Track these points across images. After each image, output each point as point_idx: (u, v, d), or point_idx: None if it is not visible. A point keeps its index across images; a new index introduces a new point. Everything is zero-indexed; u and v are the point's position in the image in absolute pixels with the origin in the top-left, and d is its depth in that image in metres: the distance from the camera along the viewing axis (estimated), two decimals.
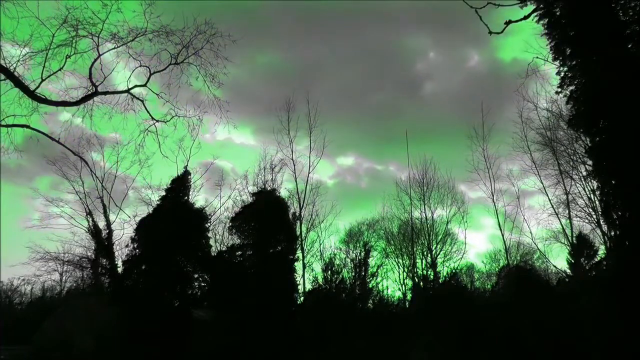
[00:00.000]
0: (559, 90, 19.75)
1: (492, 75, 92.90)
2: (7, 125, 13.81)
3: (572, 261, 32.01)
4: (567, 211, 31.94)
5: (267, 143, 58.18)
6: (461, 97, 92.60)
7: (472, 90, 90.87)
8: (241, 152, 72.46)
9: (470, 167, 36.29)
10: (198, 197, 33.63)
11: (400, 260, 36.55)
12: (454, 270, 35.09)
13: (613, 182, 18.18)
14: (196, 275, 31.39)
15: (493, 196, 34.90)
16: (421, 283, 35.42)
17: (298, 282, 32.58)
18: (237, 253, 32.35)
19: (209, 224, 32.82)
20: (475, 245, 64.07)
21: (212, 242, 33.47)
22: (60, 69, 14.28)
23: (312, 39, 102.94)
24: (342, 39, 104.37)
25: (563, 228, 32.27)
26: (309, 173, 35.42)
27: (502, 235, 34.39)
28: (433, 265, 34.97)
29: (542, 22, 18.85)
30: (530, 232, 33.84)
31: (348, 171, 75.08)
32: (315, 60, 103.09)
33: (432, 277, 35.08)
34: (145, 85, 15.85)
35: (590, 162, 24.45)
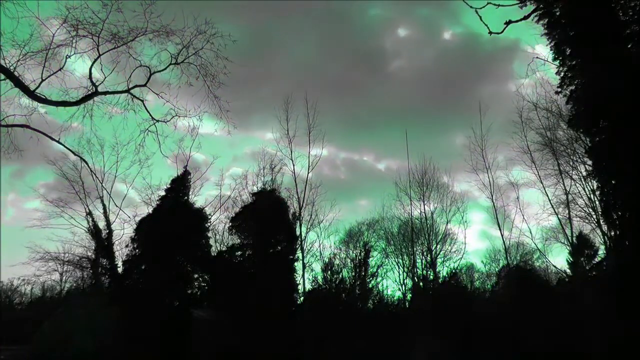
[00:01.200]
0: (559, 90, 19.79)
1: (468, 52, 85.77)
2: (7, 125, 13.78)
3: (572, 261, 32.00)
4: (567, 211, 31.95)
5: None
6: (433, 75, 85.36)
7: (445, 67, 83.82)
8: (206, 141, 70.52)
9: (468, 167, 36.25)
10: (198, 197, 33.49)
11: (400, 260, 36.57)
12: (453, 270, 35.12)
13: (613, 182, 18.20)
14: (196, 275, 31.41)
15: (492, 196, 34.88)
16: (421, 283, 35.43)
17: (298, 282, 32.63)
18: (237, 253, 32.37)
19: (208, 224, 32.84)
20: (467, 242, 64.08)
21: (212, 242, 33.50)
22: (60, 69, 14.26)
23: (260, 7, 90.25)
24: (291, 5, 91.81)
25: (563, 228, 32.29)
26: (308, 173, 35.40)
27: (502, 235, 34.38)
28: (433, 265, 34.98)
29: (542, 22, 18.87)
30: (530, 232, 33.78)
31: (324, 162, 71.81)
32: (266, 31, 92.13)
33: (432, 277, 35.10)
34: (145, 85, 15.83)
35: (590, 162, 24.49)
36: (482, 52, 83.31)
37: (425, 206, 36.26)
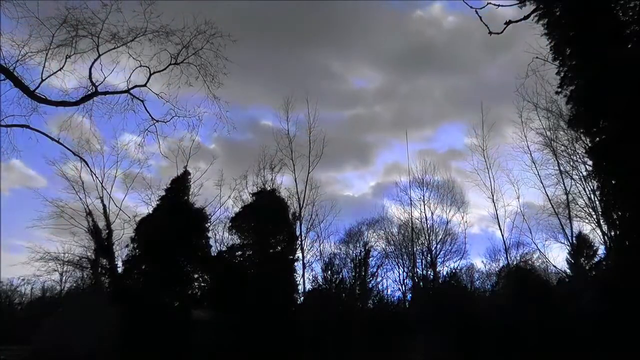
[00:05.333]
0: (559, 90, 19.76)
1: None
2: (7, 125, 13.84)
3: (572, 261, 31.98)
4: (567, 211, 31.93)
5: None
6: None
7: None
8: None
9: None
10: (198, 197, 33.43)
11: (400, 260, 36.57)
12: (453, 270, 35.13)
13: (613, 182, 18.20)
14: (196, 275, 31.40)
15: (493, 196, 34.90)
16: (421, 283, 35.43)
17: (298, 282, 32.64)
18: (237, 253, 32.36)
19: (208, 224, 32.82)
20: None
21: (212, 242, 33.47)
22: (60, 69, 14.30)
23: None
24: None
25: (563, 228, 32.28)
26: (308, 173, 35.41)
27: (502, 235, 34.41)
28: (433, 265, 34.98)
29: (542, 22, 18.85)
30: (530, 232, 33.76)
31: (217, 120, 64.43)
32: None
33: (432, 277, 35.10)
34: (145, 85, 15.87)
35: (590, 162, 24.50)
36: None
37: (425, 206, 36.32)
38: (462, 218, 36.31)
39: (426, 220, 35.82)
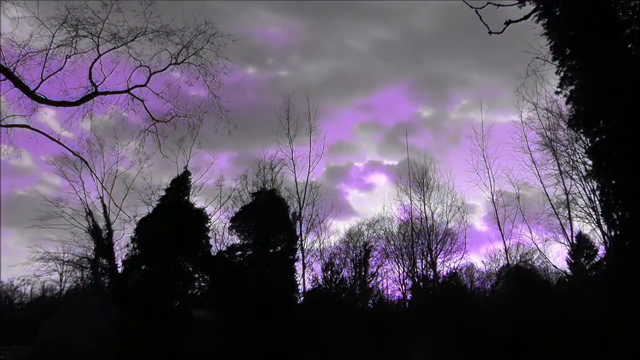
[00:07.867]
0: (559, 90, 19.75)
1: None
2: (7, 125, 13.83)
3: (572, 261, 31.98)
4: (567, 211, 31.94)
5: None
6: None
7: None
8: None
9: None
10: (198, 197, 33.44)
11: (400, 260, 36.55)
12: (453, 270, 35.10)
13: (613, 182, 18.20)
14: (196, 275, 31.40)
15: (492, 196, 34.93)
16: (421, 283, 35.42)
17: (298, 282, 32.64)
18: (237, 253, 32.36)
19: (209, 224, 32.82)
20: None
21: (212, 242, 33.49)
22: (60, 69, 14.29)
23: None
24: None
25: (563, 228, 32.28)
26: (309, 173, 35.53)
27: (502, 236, 34.43)
28: (433, 265, 34.97)
29: (542, 22, 18.84)
30: (530, 232, 33.78)
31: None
32: None
33: (432, 277, 35.10)
34: (145, 85, 15.86)
35: (590, 162, 24.49)
36: None
37: (426, 206, 36.32)
38: (463, 218, 36.29)
39: (426, 220, 35.80)
